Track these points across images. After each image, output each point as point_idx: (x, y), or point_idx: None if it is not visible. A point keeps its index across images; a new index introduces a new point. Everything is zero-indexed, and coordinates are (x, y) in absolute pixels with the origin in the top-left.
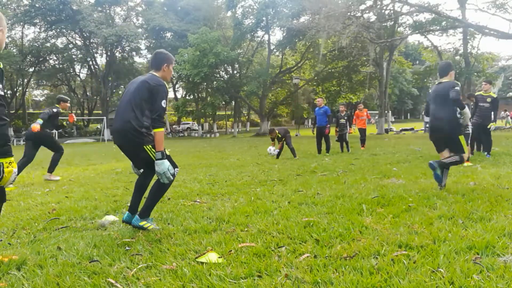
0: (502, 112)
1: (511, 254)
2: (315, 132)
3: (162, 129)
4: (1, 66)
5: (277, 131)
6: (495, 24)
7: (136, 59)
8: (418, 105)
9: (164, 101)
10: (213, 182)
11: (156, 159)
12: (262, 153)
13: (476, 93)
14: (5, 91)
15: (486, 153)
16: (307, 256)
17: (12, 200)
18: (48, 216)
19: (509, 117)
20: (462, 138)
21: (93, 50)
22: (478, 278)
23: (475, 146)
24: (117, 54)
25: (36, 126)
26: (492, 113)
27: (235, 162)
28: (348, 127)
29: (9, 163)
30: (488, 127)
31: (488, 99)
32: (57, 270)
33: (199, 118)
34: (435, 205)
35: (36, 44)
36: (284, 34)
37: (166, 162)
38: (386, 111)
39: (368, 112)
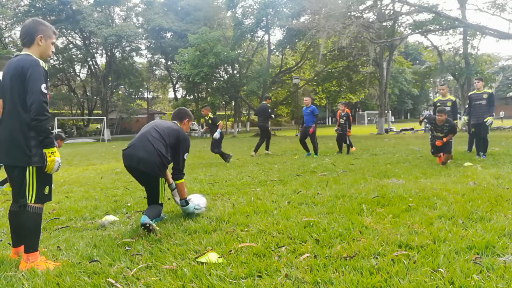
0: (502, 113)
1: (511, 254)
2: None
3: (183, 180)
4: (46, 68)
5: (209, 113)
6: (495, 24)
7: (136, 59)
8: (418, 105)
9: (186, 154)
10: (213, 182)
11: (182, 206)
12: (262, 153)
13: (470, 93)
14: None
15: (482, 153)
16: (307, 256)
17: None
18: (48, 216)
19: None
20: None
21: (93, 50)
22: (478, 278)
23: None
24: (117, 54)
25: None
26: (490, 108)
27: (235, 162)
28: (348, 127)
29: (51, 153)
30: (485, 120)
31: (485, 95)
32: (57, 270)
33: (199, 118)
34: (435, 205)
35: None
36: (284, 34)
37: (191, 206)
38: (386, 111)
39: (368, 112)
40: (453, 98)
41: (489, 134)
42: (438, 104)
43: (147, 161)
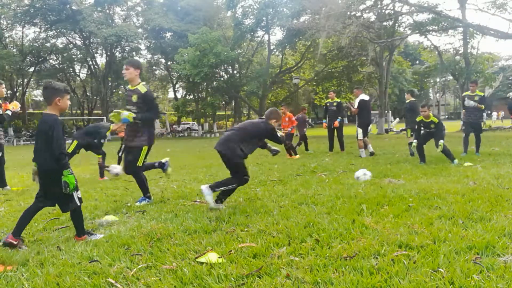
0: (502, 113)
1: (511, 254)
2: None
3: None
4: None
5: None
6: (495, 24)
7: (137, 59)
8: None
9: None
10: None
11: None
12: (262, 153)
13: (464, 94)
14: (5, 91)
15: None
16: (307, 256)
17: (12, 200)
18: (48, 216)
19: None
20: None
21: (93, 50)
22: (478, 278)
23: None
24: (117, 54)
25: None
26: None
27: None
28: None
29: None
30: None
31: (476, 98)
32: (57, 270)
33: (199, 118)
34: (435, 205)
35: (36, 44)
36: (284, 34)
37: None
38: (386, 111)
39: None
40: (436, 120)
41: (490, 134)
42: (422, 125)
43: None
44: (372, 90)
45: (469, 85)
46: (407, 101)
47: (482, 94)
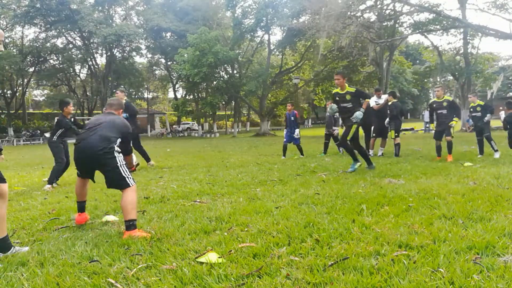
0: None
1: (511, 254)
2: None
3: None
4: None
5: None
6: (495, 24)
7: (136, 59)
8: (418, 105)
9: None
10: (213, 182)
11: None
12: (262, 153)
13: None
14: (5, 91)
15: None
16: (307, 256)
17: (12, 200)
18: (48, 216)
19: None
20: None
21: (93, 50)
22: (478, 278)
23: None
24: (117, 54)
25: None
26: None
27: (235, 162)
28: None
29: None
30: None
31: (445, 103)
32: (57, 270)
33: (199, 118)
34: (435, 205)
35: (36, 44)
36: (284, 34)
37: None
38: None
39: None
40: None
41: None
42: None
43: None
44: (372, 90)
45: (435, 90)
46: (390, 103)
47: (450, 98)
